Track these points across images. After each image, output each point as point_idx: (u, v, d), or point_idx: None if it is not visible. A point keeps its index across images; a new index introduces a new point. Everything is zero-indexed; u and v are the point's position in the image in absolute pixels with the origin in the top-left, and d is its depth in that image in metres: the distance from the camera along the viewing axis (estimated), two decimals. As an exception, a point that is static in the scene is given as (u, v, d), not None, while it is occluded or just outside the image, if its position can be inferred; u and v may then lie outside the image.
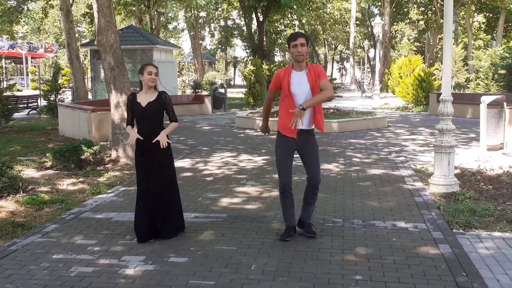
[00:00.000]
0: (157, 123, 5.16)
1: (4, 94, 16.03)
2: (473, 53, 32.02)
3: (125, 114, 9.77)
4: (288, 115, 4.73)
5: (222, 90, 24.79)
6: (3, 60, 39.88)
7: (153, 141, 5.00)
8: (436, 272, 4.22)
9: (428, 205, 6.31)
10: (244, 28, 36.75)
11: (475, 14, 42.71)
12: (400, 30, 53.85)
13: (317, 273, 4.22)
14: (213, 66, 57.99)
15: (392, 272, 4.23)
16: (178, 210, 5.29)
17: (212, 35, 58.65)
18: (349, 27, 50.90)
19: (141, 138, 5.06)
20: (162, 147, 5.01)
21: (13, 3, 21.03)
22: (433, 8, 38.38)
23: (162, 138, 5.03)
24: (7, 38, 29.02)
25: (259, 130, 5.54)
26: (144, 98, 5.14)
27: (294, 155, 5.03)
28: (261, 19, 29.09)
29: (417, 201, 6.50)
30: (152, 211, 5.08)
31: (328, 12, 48.61)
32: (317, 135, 5.13)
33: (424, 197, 6.68)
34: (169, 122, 5.27)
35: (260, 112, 17.52)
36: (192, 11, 47.04)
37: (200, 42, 52.94)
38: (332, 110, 16.29)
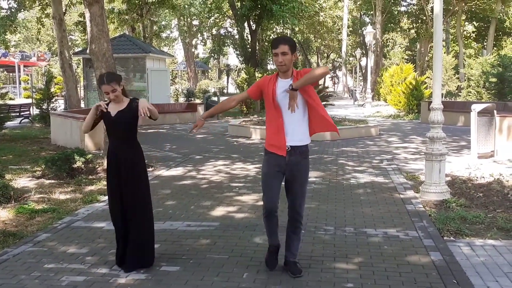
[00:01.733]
0: (129, 135, 4.54)
1: (-4, 102, 15.98)
2: (464, 60, 32.29)
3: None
4: (276, 131, 4.16)
5: (215, 99, 24.86)
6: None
7: (140, 113, 4.31)
8: (427, 279, 4.25)
9: (419, 212, 6.35)
10: (237, 36, 36.87)
11: (466, 23, 43.12)
12: (392, 39, 54.23)
13: (309, 281, 4.23)
14: (206, 74, 58.09)
15: (383, 280, 4.25)
16: (148, 240, 4.61)
17: (205, 44, 58.76)
18: (342, 36, 51.19)
19: (106, 108, 4.48)
20: (141, 115, 4.32)
21: (7, 12, 20.98)
22: (424, 18, 38.72)
23: (143, 106, 4.34)
24: (0, 47, 28.94)
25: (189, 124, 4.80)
26: (114, 108, 4.51)
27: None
28: (253, 27, 29.22)
29: (408, 209, 6.53)
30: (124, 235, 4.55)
31: (320, 21, 48.85)
32: (314, 141, 4.87)
33: (415, 205, 6.72)
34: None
35: (254, 120, 17.57)
36: (185, 19, 47.18)
37: (193, 50, 53.04)
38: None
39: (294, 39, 53.69)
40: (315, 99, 4.17)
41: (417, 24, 41.04)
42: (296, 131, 4.17)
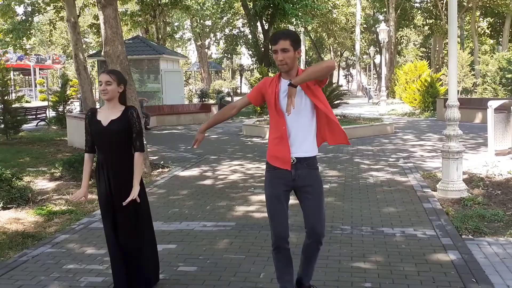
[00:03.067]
0: (122, 150, 3.86)
1: (13, 105, 16.17)
2: (479, 57, 31.94)
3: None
4: (279, 140, 3.52)
5: (229, 99, 24.89)
6: (12, 72, 40.22)
7: (124, 203, 3.76)
8: (446, 278, 4.21)
9: (436, 211, 6.29)
10: (250, 36, 36.86)
11: (480, 19, 42.64)
12: (406, 36, 53.84)
13: (326, 280, 4.22)
14: (220, 74, 58.17)
15: (401, 279, 4.22)
16: (151, 263, 4.13)
17: (218, 44, 58.88)
18: (355, 34, 50.94)
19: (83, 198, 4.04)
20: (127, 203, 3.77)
21: (22, 17, 21.20)
22: (438, 14, 38.37)
23: (134, 194, 3.79)
24: (16, 52, 29.30)
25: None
26: (106, 115, 3.85)
27: (291, 196, 3.65)
28: (266, 27, 29.19)
29: (425, 207, 6.48)
30: (122, 259, 3.97)
31: (334, 18, 48.65)
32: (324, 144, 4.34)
33: (432, 203, 6.66)
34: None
35: (267, 120, 17.56)
36: (198, 20, 47.30)
37: (206, 51, 53.16)
38: (339, 117, 16.30)
39: (308, 37, 53.57)
40: (324, 103, 3.52)
41: (431, 21, 40.67)
42: (303, 140, 3.51)
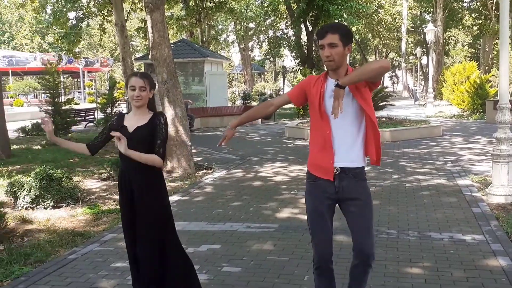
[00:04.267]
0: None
1: (63, 107, 16.71)
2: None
3: (179, 126, 10.03)
4: (322, 147, 3.14)
5: (272, 101, 24.85)
6: (62, 75, 41.62)
7: (113, 133, 3.39)
8: (496, 285, 4.08)
9: (486, 216, 6.11)
10: (293, 38, 36.80)
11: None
12: (454, 36, 52.51)
13: (372, 285, 4.15)
14: (262, 76, 58.35)
15: (449, 285, 4.11)
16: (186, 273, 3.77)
17: (261, 46, 59.07)
18: (401, 33, 50.05)
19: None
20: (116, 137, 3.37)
21: (72, 23, 21.91)
22: (487, 14, 37.24)
23: (124, 147, 3.39)
24: (68, 56, 30.28)
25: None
26: (133, 122, 3.58)
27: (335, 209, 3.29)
28: (310, 28, 29.06)
29: (474, 212, 6.30)
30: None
31: (380, 18, 47.95)
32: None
33: (482, 208, 6.47)
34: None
35: (309, 122, 17.47)
36: (242, 23, 47.61)
37: (249, 53, 53.44)
38: (384, 119, 16.05)
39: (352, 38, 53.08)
40: (371, 107, 3.13)
41: (480, 21, 39.52)
42: (349, 148, 3.12)
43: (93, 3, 21.41)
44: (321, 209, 3.20)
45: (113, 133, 3.38)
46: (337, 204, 3.25)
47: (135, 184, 3.56)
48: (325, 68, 3.29)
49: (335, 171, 3.12)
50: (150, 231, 3.56)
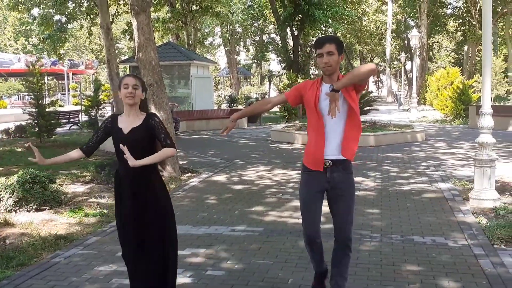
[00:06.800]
0: (145, 157, 3.48)
1: (47, 109, 16.56)
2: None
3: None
4: (315, 143, 3.61)
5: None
6: (46, 76, 41.24)
7: (122, 147, 3.42)
8: (478, 289, 4.13)
9: (468, 220, 6.18)
10: (279, 42, 36.93)
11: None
12: (438, 42, 53.09)
13: (355, 288, 4.19)
14: (249, 80, 58.44)
15: (431, 289, 4.16)
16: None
17: (247, 50, 59.20)
18: (385, 40, 50.51)
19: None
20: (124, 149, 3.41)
21: (57, 25, 21.77)
22: (471, 20, 37.75)
23: (132, 160, 3.38)
24: (50, 57, 30.10)
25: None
26: (127, 123, 3.61)
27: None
28: (296, 33, 29.18)
29: (457, 216, 6.37)
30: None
31: (363, 25, 48.35)
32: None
33: (464, 212, 6.55)
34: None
35: (296, 126, 17.53)
36: (228, 26, 47.67)
37: (236, 57, 53.51)
38: (368, 124, 16.17)
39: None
40: (358, 107, 3.64)
41: (464, 27, 40.02)
42: (340, 143, 3.59)
43: (79, 8, 21.31)
44: (312, 196, 3.68)
45: (121, 148, 3.43)
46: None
47: (138, 186, 3.59)
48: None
49: (327, 164, 3.60)
50: (161, 229, 3.64)
